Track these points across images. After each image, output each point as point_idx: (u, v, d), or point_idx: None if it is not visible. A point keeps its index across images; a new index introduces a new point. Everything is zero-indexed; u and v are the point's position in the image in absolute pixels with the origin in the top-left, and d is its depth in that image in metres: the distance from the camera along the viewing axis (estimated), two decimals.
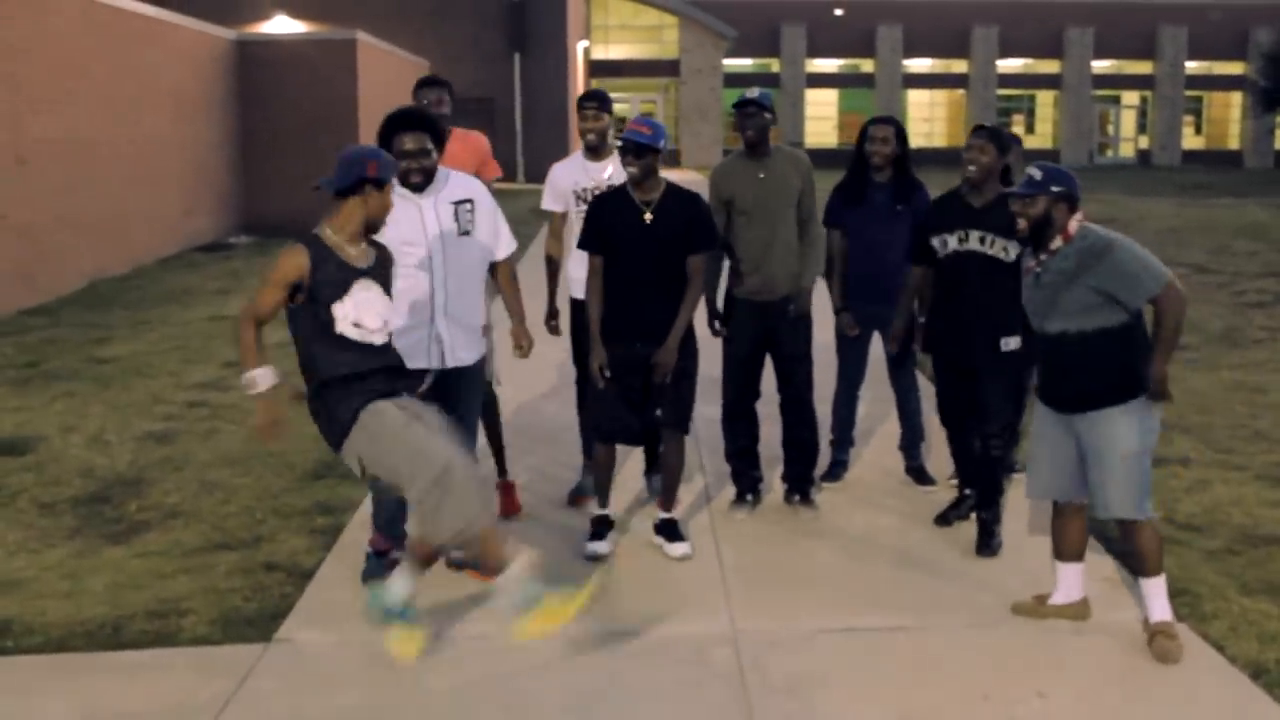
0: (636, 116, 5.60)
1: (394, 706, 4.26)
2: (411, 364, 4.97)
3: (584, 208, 6.19)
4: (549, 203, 6.36)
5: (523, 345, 5.52)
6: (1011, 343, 5.50)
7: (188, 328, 11.63)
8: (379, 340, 4.39)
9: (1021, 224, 4.68)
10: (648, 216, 5.43)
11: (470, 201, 5.19)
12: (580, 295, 6.12)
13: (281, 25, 30.88)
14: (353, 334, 4.32)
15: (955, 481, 6.16)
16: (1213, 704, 4.25)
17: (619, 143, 5.67)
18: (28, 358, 10.20)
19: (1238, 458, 7.09)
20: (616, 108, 29.18)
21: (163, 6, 18.00)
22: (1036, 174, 4.65)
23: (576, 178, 6.26)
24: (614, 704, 4.25)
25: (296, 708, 4.25)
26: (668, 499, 5.71)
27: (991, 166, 5.52)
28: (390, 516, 5.24)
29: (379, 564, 5.23)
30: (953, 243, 5.57)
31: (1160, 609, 4.68)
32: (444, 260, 5.10)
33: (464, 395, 5.27)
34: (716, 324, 6.17)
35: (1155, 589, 4.69)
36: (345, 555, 5.61)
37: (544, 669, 4.51)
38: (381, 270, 4.47)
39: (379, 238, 4.71)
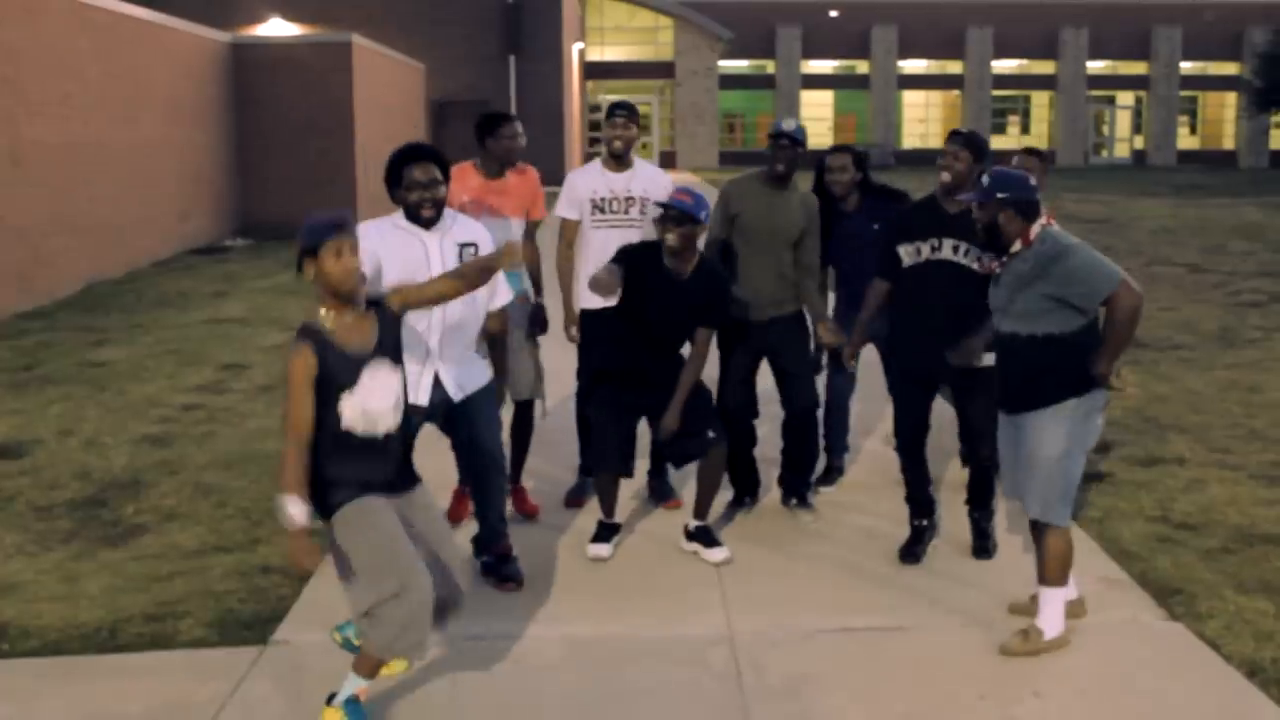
0: (680, 186, 5.57)
1: (391, 708, 4.26)
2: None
3: (599, 216, 6.15)
4: (564, 209, 6.25)
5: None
6: (989, 357, 5.15)
7: (184, 331, 11.62)
8: (386, 426, 4.03)
9: (980, 230, 4.68)
10: (676, 284, 5.46)
11: (475, 245, 5.06)
12: (588, 306, 6.11)
13: (276, 28, 30.88)
14: (360, 428, 3.96)
15: (910, 516, 5.77)
16: (1208, 702, 4.25)
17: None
18: (24, 361, 10.19)
19: (1233, 457, 7.11)
20: None
21: (157, 10, 17.99)
22: (985, 180, 4.63)
23: (594, 186, 6.18)
24: (611, 704, 4.25)
25: (293, 710, 4.25)
26: (703, 507, 5.68)
27: (966, 173, 5.34)
28: None
29: None
30: (925, 250, 5.40)
31: (1045, 618, 4.64)
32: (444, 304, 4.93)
33: (481, 414, 5.19)
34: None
35: (1049, 599, 4.66)
36: None
37: (541, 670, 4.51)
38: (390, 342, 4.07)
39: (386, 277, 4.71)
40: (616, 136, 6.12)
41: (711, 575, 5.42)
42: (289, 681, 4.45)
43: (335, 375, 3.91)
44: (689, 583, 5.34)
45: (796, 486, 6.23)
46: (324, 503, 3.99)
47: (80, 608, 5.10)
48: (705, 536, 5.66)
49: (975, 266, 5.30)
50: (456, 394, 5.09)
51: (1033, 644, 4.61)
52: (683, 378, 5.51)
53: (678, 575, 5.43)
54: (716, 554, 5.58)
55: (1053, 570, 4.64)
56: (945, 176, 5.40)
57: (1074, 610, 4.89)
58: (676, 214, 5.33)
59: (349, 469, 3.98)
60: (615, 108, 6.14)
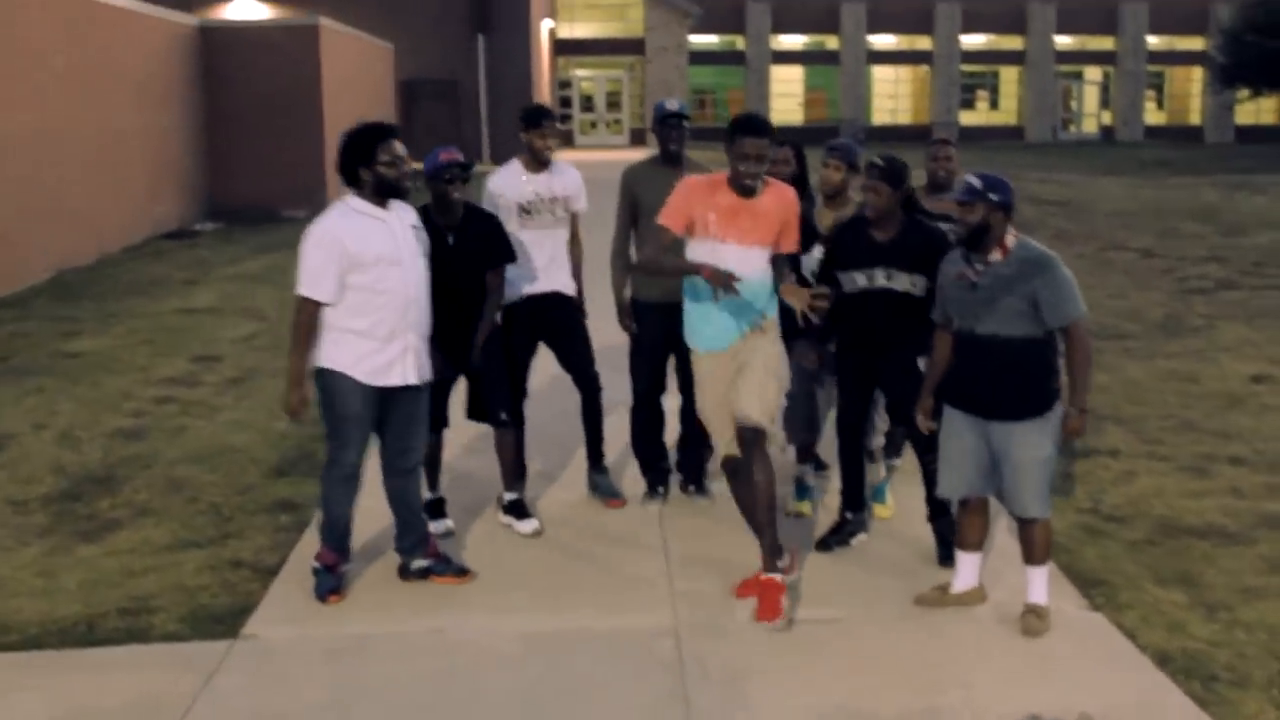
0: (441, 148, 5.73)
1: (356, 699, 4.49)
2: (388, 381, 5.17)
3: (525, 219, 6.26)
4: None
5: None
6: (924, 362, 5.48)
7: (156, 320, 11.75)
8: None
9: (961, 229, 4.90)
10: (450, 239, 5.71)
11: (418, 226, 5.33)
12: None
13: (244, 10, 30.80)
14: None
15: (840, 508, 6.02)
16: (1122, 690, 4.54)
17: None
18: None
19: (1165, 449, 7.38)
20: (583, 86, 30.17)
21: None
22: (976, 182, 4.87)
23: (520, 189, 6.28)
24: (560, 694, 4.51)
25: (263, 702, 4.48)
26: (508, 479, 6.15)
27: (887, 206, 5.48)
28: (341, 533, 5.40)
29: (330, 577, 5.39)
30: (861, 280, 5.57)
31: (1038, 593, 5.08)
32: (413, 278, 5.17)
33: (423, 407, 5.43)
34: (630, 322, 6.40)
35: (1040, 576, 5.09)
36: (308, 552, 5.75)
37: (498, 660, 4.76)
38: None
39: (361, 260, 5.03)
40: (548, 146, 6.26)
41: (661, 567, 5.67)
42: (259, 675, 4.67)
43: None
44: (639, 574, 5.59)
45: (694, 471, 6.56)
46: None
47: (58, 602, 5.30)
48: (518, 510, 6.13)
49: (913, 290, 5.50)
50: (418, 376, 5.30)
51: (1047, 620, 5.04)
52: (484, 315, 5.84)
53: (627, 567, 5.68)
54: (527, 525, 6.07)
55: (1042, 553, 5.09)
56: (869, 212, 5.54)
57: (976, 596, 5.26)
58: (459, 168, 5.60)
59: None
60: (543, 115, 6.23)
